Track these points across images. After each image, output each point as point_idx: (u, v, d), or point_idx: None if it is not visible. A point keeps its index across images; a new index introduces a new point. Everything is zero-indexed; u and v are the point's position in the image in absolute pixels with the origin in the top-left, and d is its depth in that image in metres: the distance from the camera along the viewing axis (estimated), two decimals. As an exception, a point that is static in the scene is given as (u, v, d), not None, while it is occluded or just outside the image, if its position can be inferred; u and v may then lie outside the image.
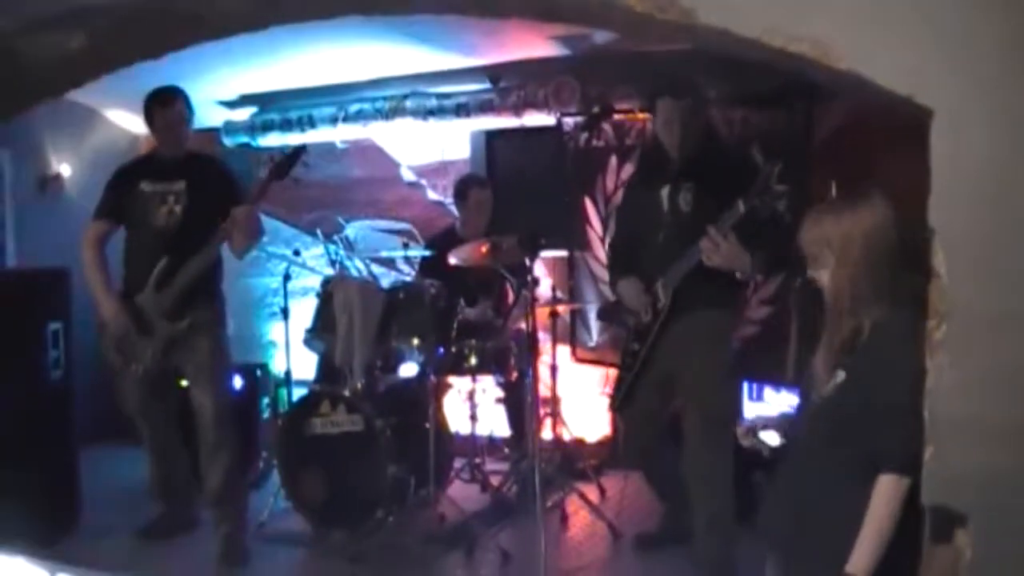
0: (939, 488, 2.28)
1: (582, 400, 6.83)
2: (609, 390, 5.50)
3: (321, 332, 5.49)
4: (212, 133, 7.68)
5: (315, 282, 5.89)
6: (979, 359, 2.24)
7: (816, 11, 2.31)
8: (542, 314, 6.20)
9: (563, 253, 6.85)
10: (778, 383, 5.16)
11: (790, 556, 2.77)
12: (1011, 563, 2.25)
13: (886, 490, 2.45)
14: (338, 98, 7.43)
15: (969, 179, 2.23)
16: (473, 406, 5.77)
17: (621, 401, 4.85)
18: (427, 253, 6.06)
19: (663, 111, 4.59)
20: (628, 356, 4.81)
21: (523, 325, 5.61)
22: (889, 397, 2.46)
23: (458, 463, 5.89)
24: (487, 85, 6.87)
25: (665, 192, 4.61)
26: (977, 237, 2.24)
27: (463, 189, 6.27)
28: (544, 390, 6.13)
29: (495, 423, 6.21)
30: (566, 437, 6.37)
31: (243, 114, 7.89)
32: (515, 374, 5.68)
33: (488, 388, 5.92)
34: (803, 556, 2.69)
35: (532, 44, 6.24)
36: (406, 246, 6.23)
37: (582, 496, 5.55)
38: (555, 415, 6.16)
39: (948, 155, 2.23)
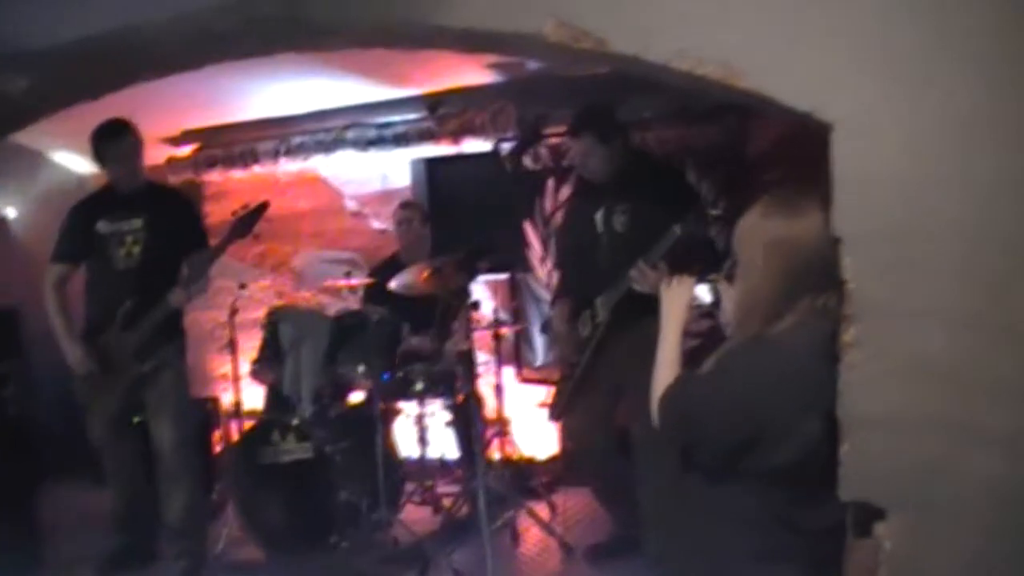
0: (856, 483, 2.37)
1: (530, 419, 6.90)
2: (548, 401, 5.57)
3: (269, 363, 5.55)
4: (157, 170, 7.73)
5: (262, 314, 5.93)
6: (890, 357, 2.34)
7: (721, 33, 2.43)
8: (487, 336, 6.31)
9: (505, 275, 6.95)
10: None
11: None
12: (928, 552, 2.34)
13: None
14: (279, 131, 7.50)
15: (873, 187, 2.34)
16: (422, 429, 5.83)
17: (560, 411, 4.97)
18: (370, 281, 6.15)
19: (572, 148, 4.77)
20: (567, 368, 4.95)
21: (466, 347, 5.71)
22: None
23: (410, 486, 5.94)
24: (425, 113, 6.97)
25: (599, 215, 4.76)
26: (883, 242, 2.34)
27: (393, 214, 6.48)
28: (491, 411, 6.24)
29: (446, 446, 6.27)
30: (515, 456, 6.45)
31: (186, 150, 7.94)
32: (461, 396, 5.76)
33: (437, 411, 5.99)
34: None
35: (468, 72, 6.35)
36: (348, 275, 6.30)
37: (532, 513, 5.61)
38: (503, 435, 6.25)
39: (850, 166, 2.34)
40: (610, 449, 4.94)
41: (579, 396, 4.89)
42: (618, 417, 4.90)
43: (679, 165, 5.72)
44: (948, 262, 2.29)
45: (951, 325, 2.29)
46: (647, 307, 4.42)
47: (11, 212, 7.55)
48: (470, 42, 2.96)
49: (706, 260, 4.18)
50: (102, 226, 5.00)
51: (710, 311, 2.89)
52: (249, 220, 5.02)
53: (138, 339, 4.88)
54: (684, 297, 2.82)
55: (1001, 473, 2.24)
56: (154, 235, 4.97)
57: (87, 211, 5.13)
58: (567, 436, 5.58)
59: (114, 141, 4.99)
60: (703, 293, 2.81)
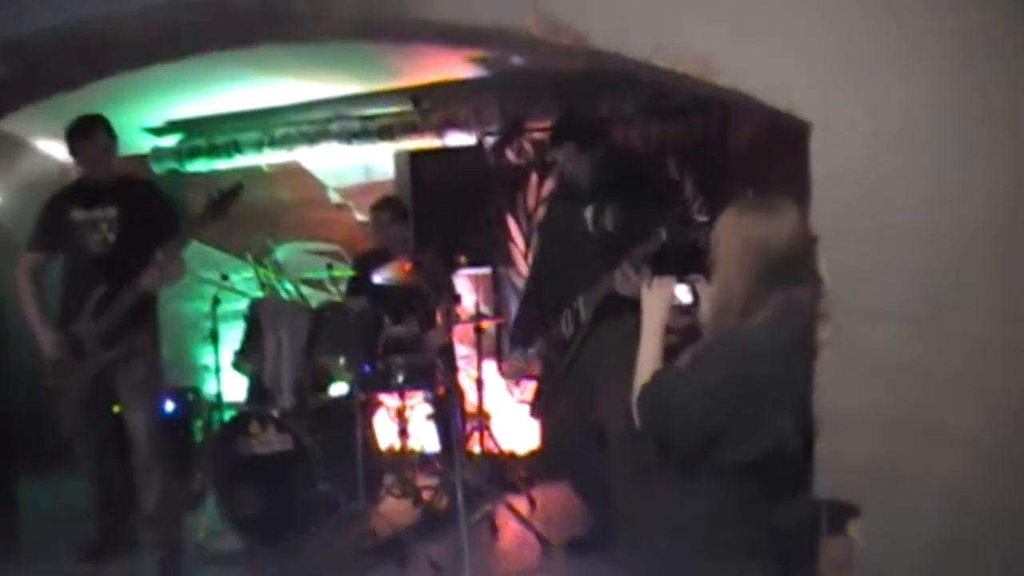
0: (830, 480, 2.39)
1: (511, 414, 6.92)
2: (529, 398, 5.59)
3: (250, 354, 5.56)
4: (140, 159, 7.72)
5: (244, 305, 5.93)
6: (865, 356, 2.36)
7: (700, 31, 2.44)
8: (468, 329, 6.31)
9: (487, 269, 6.96)
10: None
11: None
12: (897, 548, 2.36)
13: None
14: (263, 122, 7.50)
15: (849, 186, 2.35)
16: (402, 422, 5.84)
17: (542, 408, 4.97)
18: (352, 273, 6.14)
19: (554, 155, 4.79)
20: (548, 366, 4.95)
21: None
22: None
23: (390, 479, 5.94)
24: (409, 106, 6.96)
25: (588, 213, 4.75)
26: (859, 242, 2.35)
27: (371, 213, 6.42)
28: (472, 405, 6.24)
29: (426, 439, 6.27)
30: (495, 450, 6.46)
31: (170, 140, 7.92)
32: (442, 390, 5.75)
33: (418, 404, 5.99)
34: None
35: (452, 65, 6.35)
36: (330, 267, 6.29)
37: (511, 507, 5.60)
38: (483, 429, 6.25)
39: (827, 164, 2.35)
40: (589, 445, 4.95)
41: (560, 394, 4.89)
42: (596, 414, 4.91)
43: (663, 162, 5.74)
44: (920, 265, 2.30)
45: (920, 328, 2.31)
46: (627, 306, 4.46)
47: (-7, 200, 7.53)
48: (451, 36, 2.98)
49: (688, 260, 4.20)
50: (77, 215, 4.98)
51: (689, 309, 2.88)
52: (223, 202, 4.95)
53: (108, 324, 4.87)
54: (665, 298, 2.81)
55: (969, 473, 2.26)
56: (128, 223, 4.95)
57: (62, 201, 5.10)
58: (547, 432, 5.57)
59: (87, 138, 4.95)
60: (683, 294, 2.82)
